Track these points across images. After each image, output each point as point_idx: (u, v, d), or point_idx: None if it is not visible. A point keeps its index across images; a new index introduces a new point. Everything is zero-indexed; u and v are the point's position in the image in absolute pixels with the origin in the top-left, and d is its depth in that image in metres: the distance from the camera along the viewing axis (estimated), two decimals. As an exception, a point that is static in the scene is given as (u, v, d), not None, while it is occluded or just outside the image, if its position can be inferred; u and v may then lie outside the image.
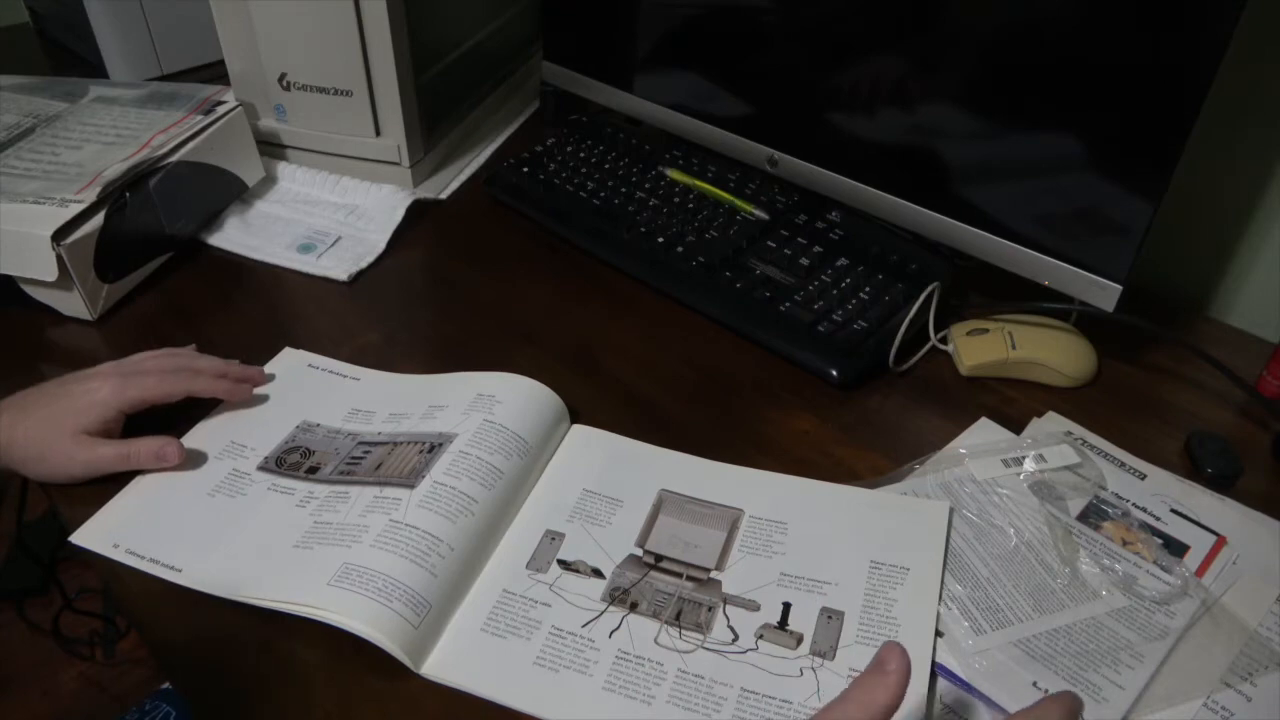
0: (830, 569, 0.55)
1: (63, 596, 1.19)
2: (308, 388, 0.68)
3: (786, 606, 0.53)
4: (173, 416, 0.63)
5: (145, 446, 0.60)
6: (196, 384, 0.63)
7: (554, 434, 0.64)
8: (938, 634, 0.52)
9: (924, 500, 0.60)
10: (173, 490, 0.60)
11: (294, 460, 0.62)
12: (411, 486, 0.57)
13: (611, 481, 0.61)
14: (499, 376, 0.66)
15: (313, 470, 0.61)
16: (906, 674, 0.39)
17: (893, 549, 0.56)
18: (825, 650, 0.51)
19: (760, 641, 0.52)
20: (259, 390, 0.67)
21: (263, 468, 0.61)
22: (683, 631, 0.52)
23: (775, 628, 0.52)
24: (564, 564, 0.56)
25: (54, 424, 0.59)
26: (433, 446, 0.60)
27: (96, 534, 0.57)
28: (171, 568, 0.55)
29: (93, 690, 1.31)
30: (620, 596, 0.54)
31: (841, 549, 0.56)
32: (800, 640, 0.51)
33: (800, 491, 0.61)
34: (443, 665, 0.50)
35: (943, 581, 0.54)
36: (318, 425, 0.64)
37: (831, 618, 0.53)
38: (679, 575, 0.55)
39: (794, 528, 0.58)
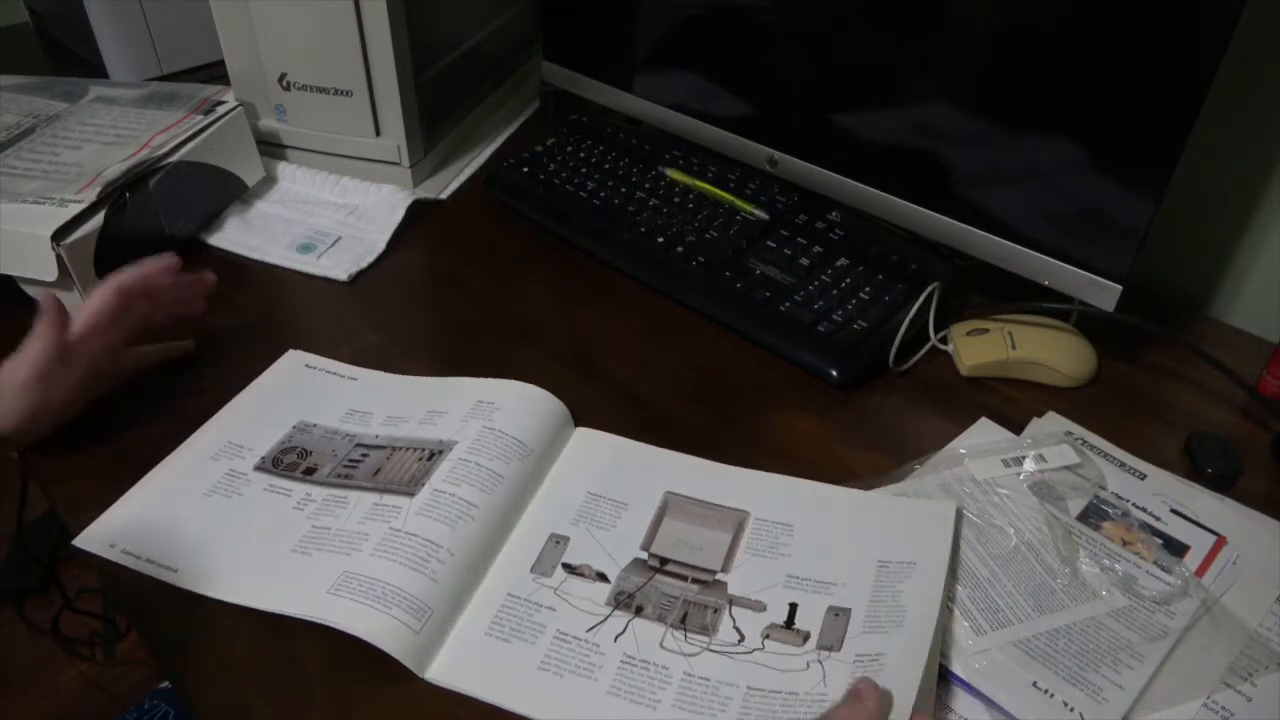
0: (837, 570, 0.55)
1: (63, 596, 1.19)
2: (305, 388, 0.68)
3: (793, 607, 0.53)
4: (168, 413, 0.63)
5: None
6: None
7: (557, 438, 0.64)
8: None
9: (930, 500, 0.60)
10: (170, 491, 0.60)
11: (290, 460, 0.62)
12: (411, 494, 0.57)
13: (616, 484, 0.61)
14: (498, 383, 0.66)
15: (309, 471, 0.61)
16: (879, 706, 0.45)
17: (900, 547, 0.56)
18: (832, 644, 0.51)
19: (766, 641, 0.52)
20: (258, 393, 0.67)
21: (259, 468, 0.61)
22: (688, 634, 0.52)
23: (782, 627, 0.52)
24: (569, 568, 0.56)
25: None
26: (432, 454, 0.60)
27: (96, 536, 0.57)
28: (168, 568, 0.55)
29: (93, 690, 1.31)
30: (625, 600, 0.54)
31: (848, 550, 0.56)
32: (807, 638, 0.51)
33: (807, 494, 0.60)
34: (448, 669, 0.50)
35: (952, 576, 0.54)
36: (314, 425, 0.64)
37: (838, 614, 0.52)
38: (684, 578, 0.55)
39: (800, 530, 0.58)
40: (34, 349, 0.58)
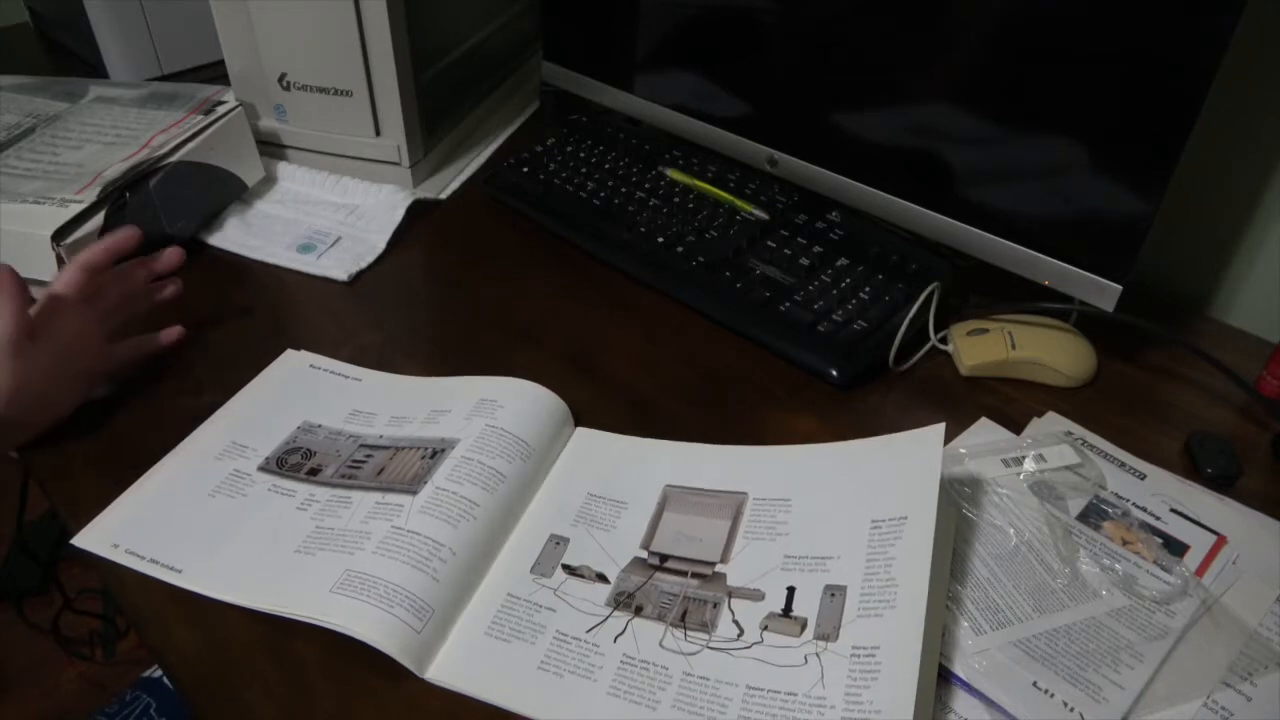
0: (832, 542, 0.54)
1: (63, 596, 1.19)
2: (309, 388, 0.68)
3: (790, 591, 0.53)
4: (168, 412, 0.63)
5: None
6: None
7: (557, 437, 0.64)
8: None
9: (916, 431, 0.58)
10: (173, 491, 0.60)
11: (295, 461, 0.62)
12: (413, 493, 0.57)
13: (615, 484, 0.61)
14: (501, 381, 0.66)
15: (314, 472, 0.61)
16: None
17: (891, 498, 0.55)
18: (828, 632, 0.50)
19: (765, 633, 0.51)
20: (262, 393, 0.67)
21: (263, 468, 0.61)
22: (688, 633, 0.52)
23: (779, 616, 0.52)
24: (568, 569, 0.56)
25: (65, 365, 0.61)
26: (435, 452, 0.60)
27: (97, 535, 0.57)
28: (171, 568, 0.55)
29: (93, 690, 1.31)
30: (625, 601, 0.54)
31: (843, 515, 0.55)
32: (804, 626, 0.51)
33: (802, 459, 0.60)
34: (447, 669, 0.50)
35: (947, 525, 0.53)
36: (319, 426, 0.64)
37: (834, 595, 0.52)
38: (684, 574, 0.55)
39: (797, 503, 0.58)
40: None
